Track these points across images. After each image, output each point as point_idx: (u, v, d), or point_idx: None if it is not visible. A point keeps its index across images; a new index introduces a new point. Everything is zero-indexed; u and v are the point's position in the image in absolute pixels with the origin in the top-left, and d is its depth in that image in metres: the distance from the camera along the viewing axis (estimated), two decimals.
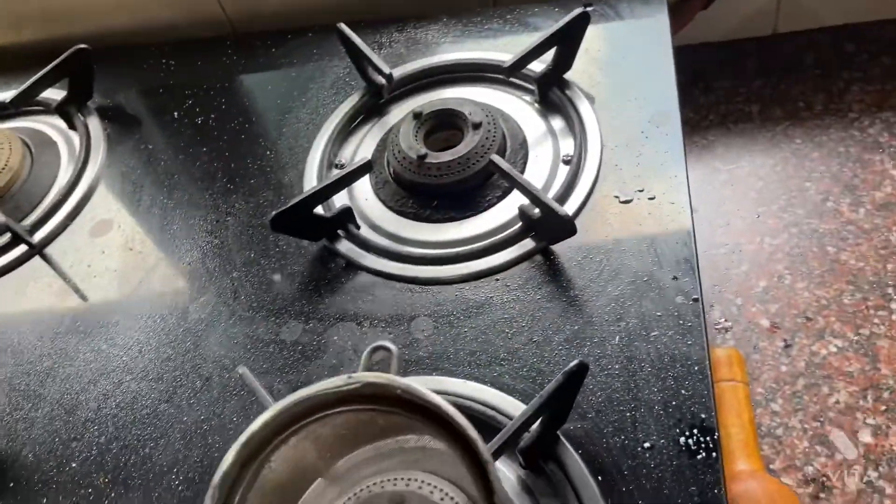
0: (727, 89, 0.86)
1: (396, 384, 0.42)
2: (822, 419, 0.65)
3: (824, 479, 0.62)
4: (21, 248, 0.73)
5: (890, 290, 0.71)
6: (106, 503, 0.56)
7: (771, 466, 0.64)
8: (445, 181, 0.65)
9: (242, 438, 0.42)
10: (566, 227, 0.57)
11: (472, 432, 0.41)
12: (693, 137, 0.83)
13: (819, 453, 0.63)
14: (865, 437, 0.64)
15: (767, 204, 0.78)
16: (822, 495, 0.61)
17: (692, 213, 0.60)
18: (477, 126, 0.66)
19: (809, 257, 0.74)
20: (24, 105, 0.83)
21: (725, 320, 0.72)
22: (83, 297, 0.70)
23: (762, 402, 0.67)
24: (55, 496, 0.57)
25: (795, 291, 0.72)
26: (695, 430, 0.50)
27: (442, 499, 0.48)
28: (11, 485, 0.58)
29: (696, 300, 0.56)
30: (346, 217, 0.66)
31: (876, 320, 0.69)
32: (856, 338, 0.69)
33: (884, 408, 0.65)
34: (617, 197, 0.63)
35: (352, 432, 0.47)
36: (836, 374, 0.67)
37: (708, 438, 0.50)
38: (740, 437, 0.56)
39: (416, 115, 0.68)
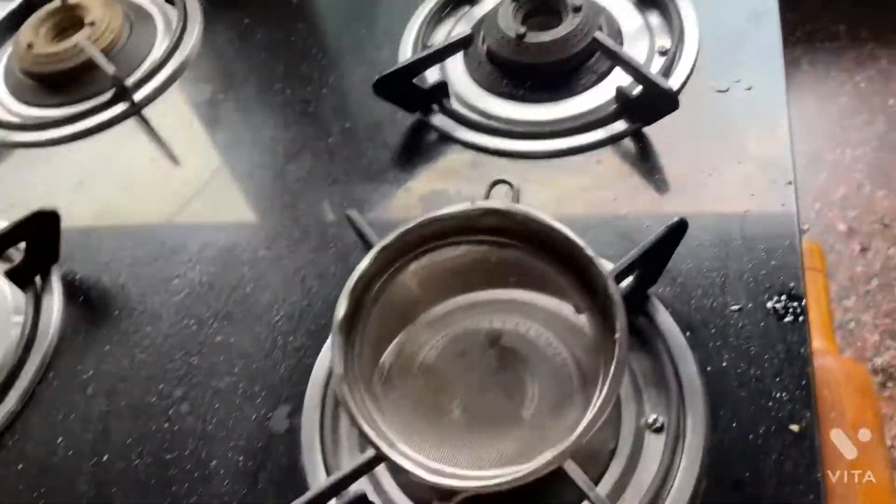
0: (815, 8, 0.86)
1: (519, 210, 0.45)
2: (893, 316, 0.66)
3: (893, 369, 0.64)
4: (121, 107, 0.76)
5: None
6: (210, 333, 0.59)
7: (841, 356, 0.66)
8: (543, 61, 0.66)
9: (376, 248, 0.45)
10: (669, 102, 0.59)
11: (592, 252, 0.43)
12: None
13: (889, 347, 0.65)
14: None
15: (850, 118, 0.79)
16: (889, 384, 0.63)
17: (788, 104, 0.61)
18: (577, 9, 0.67)
19: (889, 168, 0.75)
20: None
21: (803, 223, 0.73)
22: (176, 161, 0.73)
23: (836, 298, 0.68)
24: (159, 325, 0.60)
25: (874, 199, 0.74)
26: (783, 296, 0.52)
27: (538, 337, 0.50)
28: (117, 313, 0.62)
29: (789, 183, 0.58)
30: (441, 91, 0.68)
31: None
32: None
33: None
34: (713, 86, 0.64)
35: (466, 268, 0.49)
36: None
37: (795, 304, 0.52)
38: (817, 320, 0.58)
39: None
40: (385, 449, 0.42)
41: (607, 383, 0.41)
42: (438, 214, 0.45)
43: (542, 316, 0.51)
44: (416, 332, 0.51)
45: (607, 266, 0.55)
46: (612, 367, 0.41)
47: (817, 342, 0.57)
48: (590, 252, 0.42)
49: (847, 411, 0.52)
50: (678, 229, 0.50)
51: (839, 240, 0.72)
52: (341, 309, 0.45)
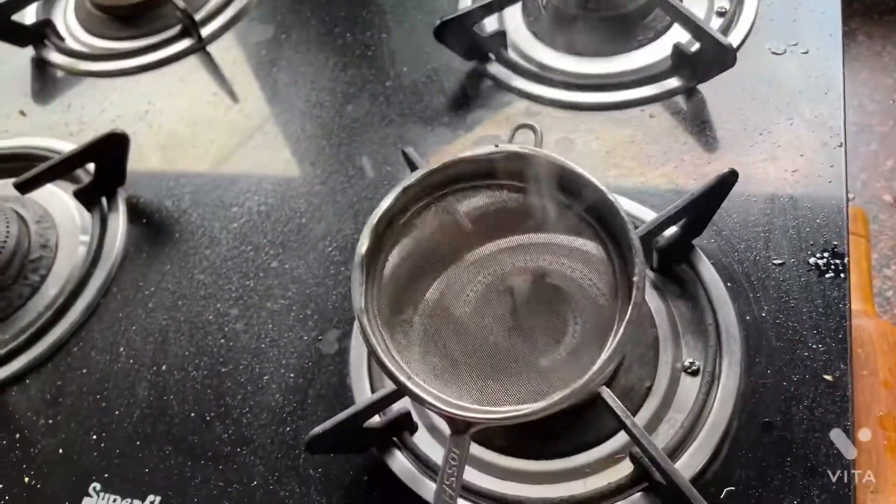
0: None
1: (542, 153, 0.46)
2: None
3: None
4: (187, 42, 0.78)
5: None
6: (266, 259, 0.62)
7: None
8: (602, 14, 0.67)
9: (399, 187, 0.46)
10: (727, 58, 0.59)
11: (613, 197, 0.44)
12: None
13: None
14: None
15: None
16: None
17: (843, 69, 0.62)
18: None
19: None
20: None
21: (849, 192, 0.74)
22: (237, 99, 0.75)
23: (876, 266, 0.69)
24: (218, 248, 0.63)
25: None
26: (825, 254, 0.53)
27: (581, 278, 0.52)
28: (178, 235, 0.65)
29: (840, 146, 0.58)
30: (499, 40, 0.69)
31: None
32: None
33: None
34: (769, 48, 0.65)
35: (489, 214, 0.50)
36: None
37: (838, 262, 0.53)
38: (857, 283, 0.59)
39: None
40: (403, 380, 0.43)
41: (623, 324, 0.42)
42: (461, 157, 0.46)
43: (579, 256, 0.53)
44: (457, 272, 0.52)
45: (648, 214, 0.57)
46: (629, 309, 0.42)
47: (856, 304, 0.58)
48: (611, 197, 0.43)
49: (880, 370, 0.53)
50: (728, 180, 0.51)
51: (883, 210, 0.72)
52: (363, 245, 0.46)
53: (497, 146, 0.47)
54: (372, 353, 0.44)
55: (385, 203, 0.47)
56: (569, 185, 0.46)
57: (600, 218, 0.47)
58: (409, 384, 0.43)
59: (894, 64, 0.81)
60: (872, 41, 0.81)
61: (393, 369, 0.43)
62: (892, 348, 0.54)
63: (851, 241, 0.63)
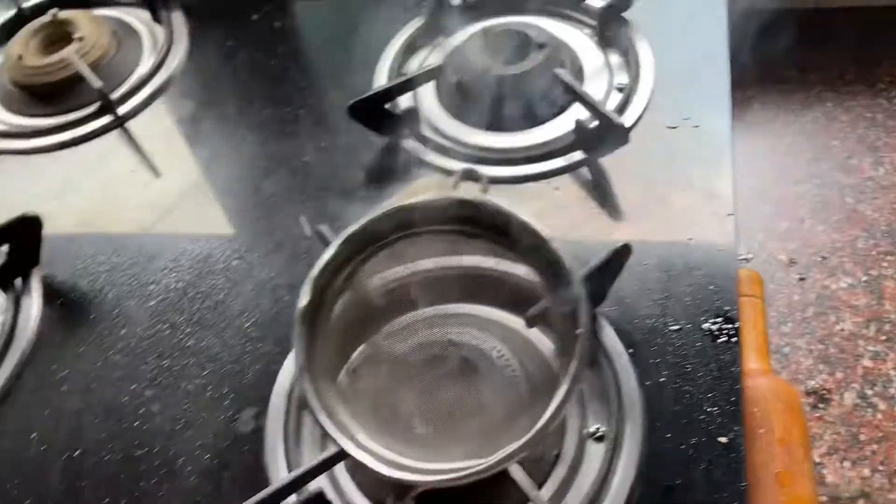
0: (769, 53, 0.91)
1: (489, 203, 0.47)
2: (826, 342, 0.71)
3: (825, 392, 0.68)
4: (105, 119, 0.79)
5: None
6: (182, 337, 0.62)
7: None
8: (507, 93, 0.71)
9: (341, 237, 0.47)
10: (621, 136, 0.63)
11: (557, 249, 0.45)
12: (733, 92, 0.88)
13: (821, 371, 0.70)
14: (865, 361, 0.70)
15: (795, 156, 0.84)
16: (820, 406, 0.68)
17: (732, 141, 0.66)
18: (542, 46, 0.71)
19: (830, 205, 0.81)
20: None
21: (747, 252, 0.78)
22: (157, 173, 0.76)
23: (774, 324, 0.73)
24: (134, 328, 0.63)
25: (814, 233, 0.79)
26: (719, 319, 0.56)
27: (492, 350, 0.54)
28: (93, 316, 0.65)
29: (730, 215, 0.62)
30: (413, 117, 0.72)
31: (885, 264, 0.76)
32: (865, 277, 0.76)
33: (884, 338, 0.71)
34: (664, 122, 0.69)
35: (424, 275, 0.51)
36: (843, 307, 0.73)
37: (730, 326, 0.56)
38: (753, 343, 0.62)
39: (485, 33, 0.74)
40: (342, 441, 0.44)
41: (569, 376, 0.42)
42: (405, 203, 0.47)
43: (498, 331, 0.55)
44: (382, 338, 0.54)
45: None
46: (575, 360, 0.42)
47: (753, 363, 0.61)
48: (555, 247, 0.44)
49: (776, 428, 0.56)
50: (622, 253, 0.54)
51: (780, 269, 0.77)
52: (304, 298, 0.46)
53: (442, 194, 0.48)
54: (313, 415, 0.45)
55: (327, 254, 0.47)
56: (513, 233, 0.47)
57: (545, 267, 0.48)
58: (350, 448, 0.44)
59: (787, 129, 0.87)
60: (766, 108, 0.87)
61: (334, 431, 0.44)
62: (786, 406, 0.57)
63: (747, 303, 0.67)
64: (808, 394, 0.68)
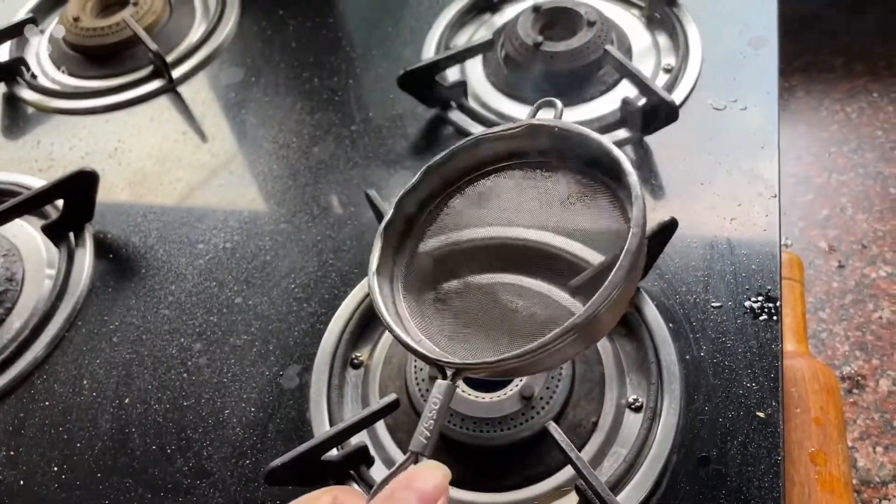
0: (815, 41, 0.91)
1: (557, 122, 0.46)
2: (863, 330, 0.71)
3: (860, 378, 0.68)
4: (158, 82, 0.80)
5: None
6: (230, 295, 0.64)
7: None
8: (556, 69, 0.71)
9: (423, 169, 0.48)
10: (670, 113, 0.63)
11: (626, 162, 0.43)
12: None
13: (857, 357, 0.70)
14: None
15: (839, 145, 0.84)
16: (854, 391, 0.68)
17: (779, 124, 0.66)
18: (591, 24, 0.72)
19: (872, 195, 0.80)
20: None
21: (787, 239, 0.78)
22: (206, 138, 0.77)
23: (811, 309, 0.73)
24: (183, 284, 0.65)
25: (855, 222, 0.79)
26: (760, 297, 0.57)
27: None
28: (143, 271, 0.67)
29: (774, 197, 0.62)
30: (460, 90, 0.72)
31: None
32: None
33: None
34: (711, 104, 0.69)
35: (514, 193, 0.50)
36: (882, 295, 0.73)
37: (771, 305, 0.56)
38: (792, 325, 0.63)
39: (535, 9, 0.74)
40: (397, 331, 0.44)
41: (622, 256, 0.39)
42: (485, 133, 0.48)
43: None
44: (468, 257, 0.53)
45: (598, 257, 0.59)
46: (627, 242, 0.39)
47: (791, 345, 0.62)
48: (626, 163, 0.43)
49: (812, 408, 0.57)
50: (669, 227, 0.54)
51: (819, 256, 0.77)
52: (386, 216, 0.48)
53: (516, 121, 0.47)
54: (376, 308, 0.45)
55: (412, 182, 0.48)
56: (583, 151, 0.46)
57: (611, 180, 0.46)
58: (398, 331, 0.44)
59: (831, 118, 0.86)
60: (810, 97, 0.87)
61: (386, 315, 0.44)
62: (822, 388, 0.58)
63: (787, 286, 0.67)
64: (843, 379, 0.68)
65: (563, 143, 0.47)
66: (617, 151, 0.44)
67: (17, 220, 0.69)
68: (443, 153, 0.49)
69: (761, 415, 0.52)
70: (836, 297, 0.75)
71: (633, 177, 0.42)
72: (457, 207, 0.50)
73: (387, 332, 0.56)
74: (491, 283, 0.50)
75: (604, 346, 0.57)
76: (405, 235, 0.49)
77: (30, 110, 0.82)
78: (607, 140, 0.45)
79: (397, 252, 0.49)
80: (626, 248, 0.40)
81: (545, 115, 0.50)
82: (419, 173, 0.48)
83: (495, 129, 0.48)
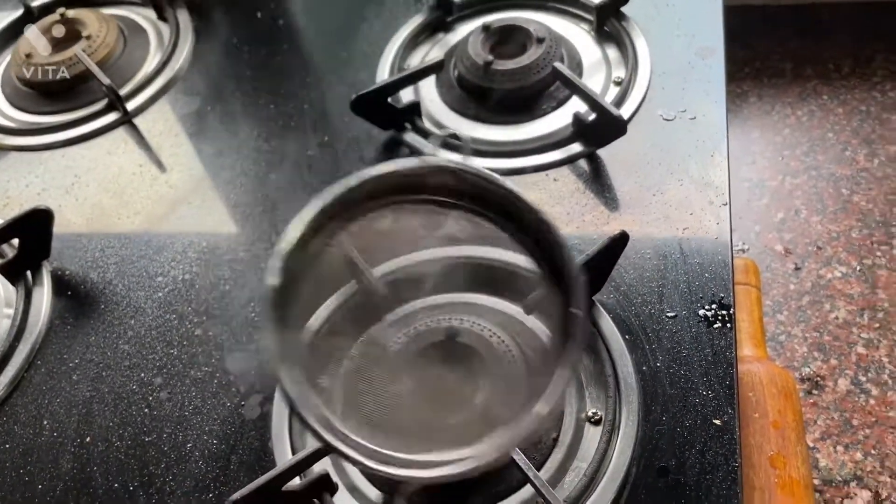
0: (765, 46, 0.93)
1: (472, 169, 0.45)
2: (821, 330, 0.72)
3: (819, 378, 0.69)
4: (113, 115, 0.80)
5: (894, 229, 0.79)
6: (190, 327, 0.63)
7: None
8: (507, 87, 0.72)
9: (314, 209, 0.44)
10: (619, 128, 0.64)
11: (544, 213, 0.42)
12: (729, 86, 0.90)
13: (816, 358, 0.71)
14: (859, 348, 0.71)
15: (791, 148, 0.86)
16: (814, 392, 0.69)
17: (727, 133, 0.67)
18: (541, 40, 0.73)
19: (825, 196, 0.82)
20: None
21: (743, 244, 0.79)
22: (164, 169, 0.77)
23: (769, 312, 0.74)
24: (142, 318, 0.65)
25: (810, 224, 0.80)
26: (713, 305, 0.58)
27: (491, 337, 0.55)
28: (102, 307, 0.66)
29: (725, 204, 0.63)
30: (414, 111, 0.73)
31: (878, 253, 0.77)
32: (859, 267, 0.77)
33: (877, 325, 0.72)
34: (661, 115, 0.70)
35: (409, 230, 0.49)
36: (837, 295, 0.74)
37: (724, 312, 0.57)
38: (749, 330, 0.64)
39: (485, 28, 0.75)
40: (326, 434, 0.40)
41: (566, 358, 0.39)
42: (388, 170, 0.43)
43: (496, 318, 0.56)
44: (379, 328, 0.55)
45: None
46: (572, 341, 0.39)
47: (748, 350, 0.62)
48: (543, 213, 0.42)
49: (770, 412, 0.58)
50: (619, 241, 0.55)
51: (775, 259, 0.78)
52: (273, 279, 0.41)
53: (423, 159, 0.44)
54: (290, 407, 0.42)
55: (295, 231, 0.43)
56: (501, 203, 0.44)
57: (534, 238, 0.44)
58: (331, 439, 0.40)
59: (783, 122, 0.88)
60: (763, 102, 0.89)
61: (315, 425, 0.40)
62: (780, 391, 0.59)
63: (743, 291, 0.68)
64: (802, 380, 0.70)
65: (471, 188, 0.44)
66: (547, 218, 0.42)
67: None
68: (330, 193, 0.44)
69: (718, 422, 0.52)
70: (793, 300, 0.76)
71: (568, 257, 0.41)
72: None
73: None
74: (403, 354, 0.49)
75: None
76: (292, 293, 0.43)
77: None
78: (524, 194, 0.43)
79: (287, 322, 0.42)
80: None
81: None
82: (309, 213, 0.44)
83: (395, 166, 0.43)
